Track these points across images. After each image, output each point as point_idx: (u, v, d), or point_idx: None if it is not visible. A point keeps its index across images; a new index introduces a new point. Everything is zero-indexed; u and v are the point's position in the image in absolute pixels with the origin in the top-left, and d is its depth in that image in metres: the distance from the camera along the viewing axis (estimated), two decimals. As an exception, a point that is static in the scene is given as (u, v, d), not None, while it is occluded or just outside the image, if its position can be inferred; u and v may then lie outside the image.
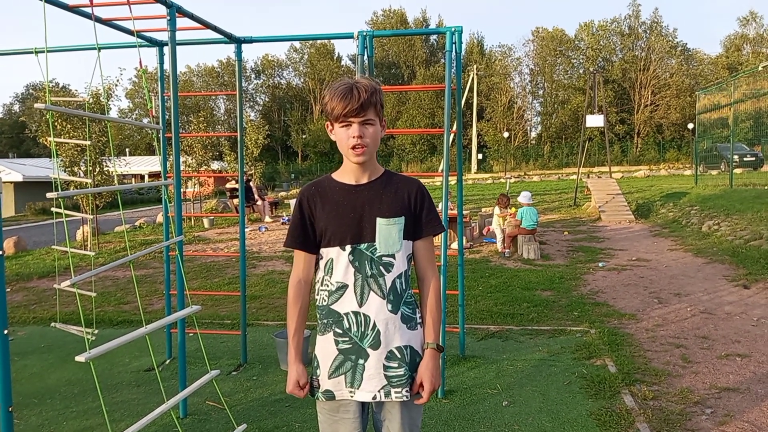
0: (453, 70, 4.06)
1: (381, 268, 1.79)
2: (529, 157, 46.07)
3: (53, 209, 4.27)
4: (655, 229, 12.53)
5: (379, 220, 1.80)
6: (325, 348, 1.83)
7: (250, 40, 4.51)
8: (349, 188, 1.84)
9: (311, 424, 3.50)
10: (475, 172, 40.07)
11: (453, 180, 5.01)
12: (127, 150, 46.94)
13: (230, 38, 4.35)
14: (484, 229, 11.21)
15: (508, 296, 6.79)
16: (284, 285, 7.93)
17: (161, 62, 4.50)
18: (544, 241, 10.89)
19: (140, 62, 3.07)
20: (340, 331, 1.80)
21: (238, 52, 4.53)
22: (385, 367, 1.78)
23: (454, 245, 10.41)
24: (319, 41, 55.20)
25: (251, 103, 60.89)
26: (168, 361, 4.87)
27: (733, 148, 17.75)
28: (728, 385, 3.96)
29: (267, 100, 61.50)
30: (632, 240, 11.13)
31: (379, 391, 1.78)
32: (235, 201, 16.54)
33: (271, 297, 7.28)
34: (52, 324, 4.14)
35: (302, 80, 60.78)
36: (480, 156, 44.50)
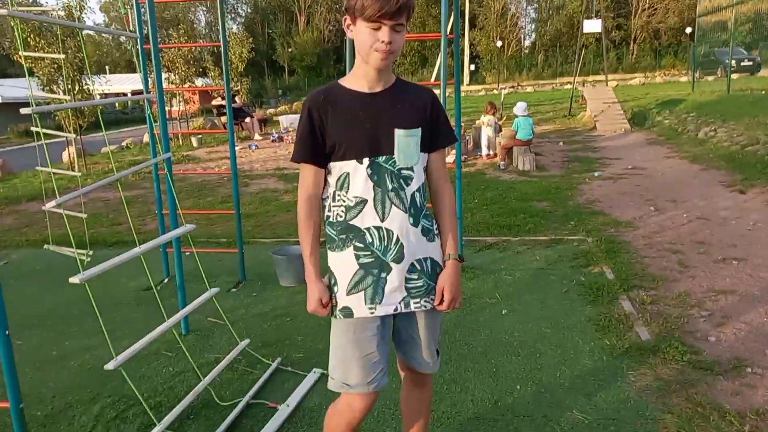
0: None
1: (401, 181, 1.71)
2: (522, 67, 44.95)
3: (32, 128, 4.07)
4: (650, 137, 12.41)
5: (398, 132, 1.70)
6: (344, 263, 1.75)
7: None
8: (363, 96, 1.70)
9: (313, 338, 3.53)
10: (467, 84, 39.16)
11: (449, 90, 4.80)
12: (106, 67, 45.17)
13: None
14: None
15: (504, 208, 6.75)
16: (279, 203, 7.86)
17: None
18: (540, 152, 10.76)
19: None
20: (361, 245, 1.72)
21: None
22: (407, 279, 1.75)
23: (450, 158, 10.29)
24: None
25: (233, 15, 58.20)
26: (166, 280, 4.85)
27: (732, 52, 17.28)
28: (725, 288, 4.00)
29: (249, 11, 58.79)
30: (628, 149, 11.03)
31: (399, 303, 1.76)
32: (223, 119, 16.12)
33: (266, 215, 7.21)
34: (45, 246, 4.06)
35: (286, -10, 57.84)
36: (473, 67, 43.33)
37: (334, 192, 1.74)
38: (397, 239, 1.71)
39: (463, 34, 42.91)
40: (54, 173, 3.66)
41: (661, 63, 41.83)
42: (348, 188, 1.71)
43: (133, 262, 2.77)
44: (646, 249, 4.96)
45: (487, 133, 10.32)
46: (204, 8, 55.01)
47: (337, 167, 1.72)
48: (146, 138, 16.75)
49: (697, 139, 10.93)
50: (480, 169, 9.72)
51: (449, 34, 4.16)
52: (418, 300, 1.77)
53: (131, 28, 4.29)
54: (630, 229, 5.63)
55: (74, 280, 2.37)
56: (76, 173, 3.92)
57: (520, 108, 9.59)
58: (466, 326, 3.60)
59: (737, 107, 12.34)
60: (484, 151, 10.33)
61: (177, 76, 16.07)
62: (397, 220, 1.71)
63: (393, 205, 1.70)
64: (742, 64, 21.74)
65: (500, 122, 10.11)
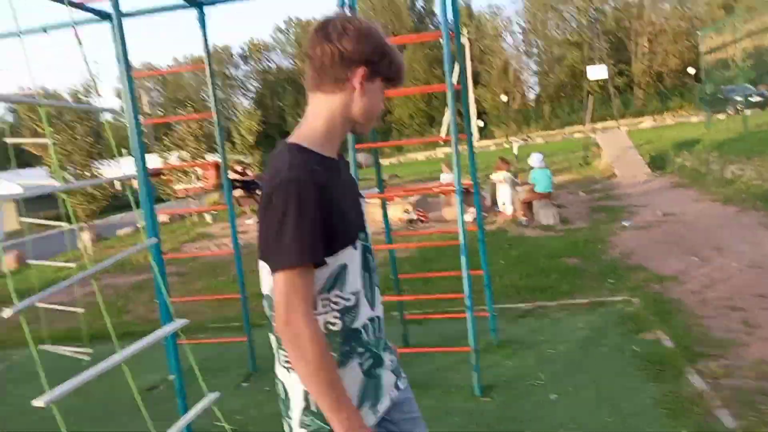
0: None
1: (372, 255, 1.49)
2: (530, 119, 45.22)
3: (22, 219, 3.79)
4: (674, 180, 11.97)
5: (363, 201, 1.51)
6: (349, 382, 1.38)
7: (212, 2, 3.97)
8: (336, 164, 1.43)
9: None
10: (477, 141, 39.34)
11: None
12: (123, 150, 46.11)
13: (190, 2, 3.82)
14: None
15: (532, 267, 6.29)
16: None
17: (120, 36, 3.93)
18: (561, 204, 10.35)
19: (75, 33, 2.53)
20: (362, 349, 1.42)
21: (201, 17, 3.99)
22: (390, 361, 1.53)
23: (468, 216, 9.92)
24: (303, 18, 54.01)
25: (243, 90, 60.10)
26: (172, 377, 4.41)
27: (741, 88, 17.06)
28: (806, 350, 3.48)
29: (259, 86, 60.63)
30: (653, 194, 10.58)
31: (392, 390, 1.53)
32: (236, 192, 16.03)
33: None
34: (39, 346, 3.69)
35: (291, 62, 59.81)
36: (480, 123, 43.69)
37: (324, 295, 1.36)
38: (381, 323, 1.50)
39: (468, 92, 43.55)
40: (50, 265, 3.34)
41: (667, 105, 41.84)
42: (344, 284, 1.38)
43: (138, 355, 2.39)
44: (700, 307, 4.45)
45: (503, 189, 9.94)
46: (218, 85, 56.73)
47: (333, 260, 1.34)
48: (163, 217, 16.60)
49: (724, 179, 10.47)
50: (501, 226, 9.31)
51: (455, 84, 3.86)
52: (404, 377, 1.59)
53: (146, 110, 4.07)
54: (676, 284, 5.13)
55: (38, 403, 1.98)
56: (71, 264, 3.62)
57: (535, 160, 9.27)
58: (512, 418, 3.11)
59: (759, 143, 11.91)
60: (509, 209, 9.88)
61: (188, 154, 16.14)
62: (379, 302, 1.50)
63: (376, 286, 1.48)
64: (751, 99, 21.44)
65: (516, 176, 9.76)
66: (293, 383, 1.38)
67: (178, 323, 2.76)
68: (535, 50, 53.24)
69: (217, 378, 4.12)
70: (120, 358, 2.32)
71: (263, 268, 1.38)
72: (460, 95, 4.06)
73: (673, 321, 4.18)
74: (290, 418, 1.42)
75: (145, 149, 3.63)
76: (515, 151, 14.33)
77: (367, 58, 1.32)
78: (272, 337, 1.47)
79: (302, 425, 1.39)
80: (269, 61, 61.01)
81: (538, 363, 3.78)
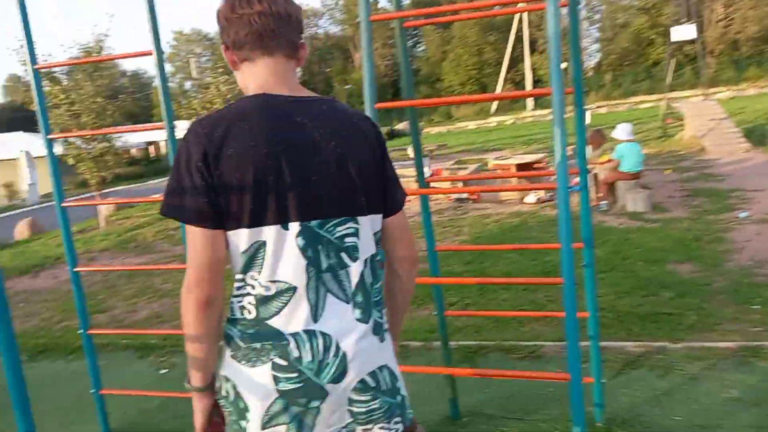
0: None
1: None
2: (589, 88, 42.21)
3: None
4: (783, 158, 9.83)
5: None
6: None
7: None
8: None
9: None
10: (531, 110, 36.82)
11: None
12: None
13: None
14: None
15: (630, 278, 4.58)
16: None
17: None
18: (646, 185, 8.45)
19: None
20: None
21: None
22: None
23: (530, 197, 8.16)
24: (353, -17, 51.85)
25: (290, 57, 58.79)
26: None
27: None
28: None
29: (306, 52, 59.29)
30: (763, 176, 8.53)
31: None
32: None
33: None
34: None
35: (340, 28, 58.01)
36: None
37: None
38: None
39: (524, 59, 40.90)
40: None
41: (743, 75, 38.12)
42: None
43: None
44: None
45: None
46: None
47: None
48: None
49: None
50: (574, 211, 7.48)
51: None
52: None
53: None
54: None
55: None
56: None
57: (623, 131, 7.37)
58: None
59: None
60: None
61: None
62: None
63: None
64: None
65: (602, 160, 7.62)
66: None
67: None
68: (597, 16, 49.71)
69: None
70: None
71: None
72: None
73: None
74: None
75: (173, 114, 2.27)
76: (588, 120, 12.33)
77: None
78: None
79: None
80: (317, 27, 59.39)
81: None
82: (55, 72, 10.25)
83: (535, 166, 8.88)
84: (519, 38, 40.66)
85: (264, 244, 1.18)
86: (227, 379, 1.25)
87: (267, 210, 1.17)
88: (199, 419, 1.30)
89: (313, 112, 1.24)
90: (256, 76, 1.25)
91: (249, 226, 1.17)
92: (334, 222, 1.22)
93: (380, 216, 1.30)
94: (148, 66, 60.98)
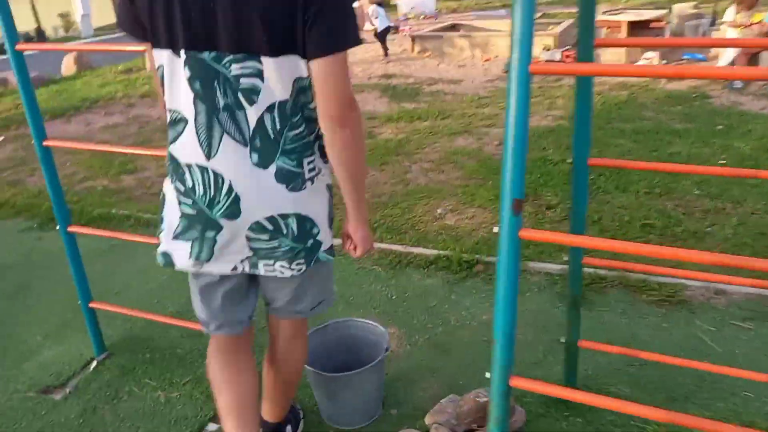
0: None
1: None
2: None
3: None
4: None
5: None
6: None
7: None
8: None
9: None
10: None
11: None
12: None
13: None
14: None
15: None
16: (374, 142, 5.03)
17: None
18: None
19: None
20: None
21: None
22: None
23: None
24: None
25: None
26: (95, 363, 2.36)
27: None
28: None
29: None
30: None
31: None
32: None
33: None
34: None
35: None
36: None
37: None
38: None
39: None
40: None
41: None
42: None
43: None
44: None
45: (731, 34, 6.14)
46: None
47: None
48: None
49: None
50: (695, 87, 6.03)
51: None
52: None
53: None
54: None
55: None
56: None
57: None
58: None
59: None
60: (723, 60, 6.15)
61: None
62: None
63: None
64: None
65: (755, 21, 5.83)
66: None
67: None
68: None
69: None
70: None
71: None
72: None
73: None
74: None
75: None
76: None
77: None
78: None
79: None
80: None
81: None
82: None
83: (653, 26, 7.24)
84: None
85: (161, 67, 1.22)
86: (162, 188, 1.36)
87: (159, 31, 1.16)
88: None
89: None
90: None
91: (153, 47, 1.21)
92: (230, 58, 1.16)
93: (302, 59, 1.16)
94: None
